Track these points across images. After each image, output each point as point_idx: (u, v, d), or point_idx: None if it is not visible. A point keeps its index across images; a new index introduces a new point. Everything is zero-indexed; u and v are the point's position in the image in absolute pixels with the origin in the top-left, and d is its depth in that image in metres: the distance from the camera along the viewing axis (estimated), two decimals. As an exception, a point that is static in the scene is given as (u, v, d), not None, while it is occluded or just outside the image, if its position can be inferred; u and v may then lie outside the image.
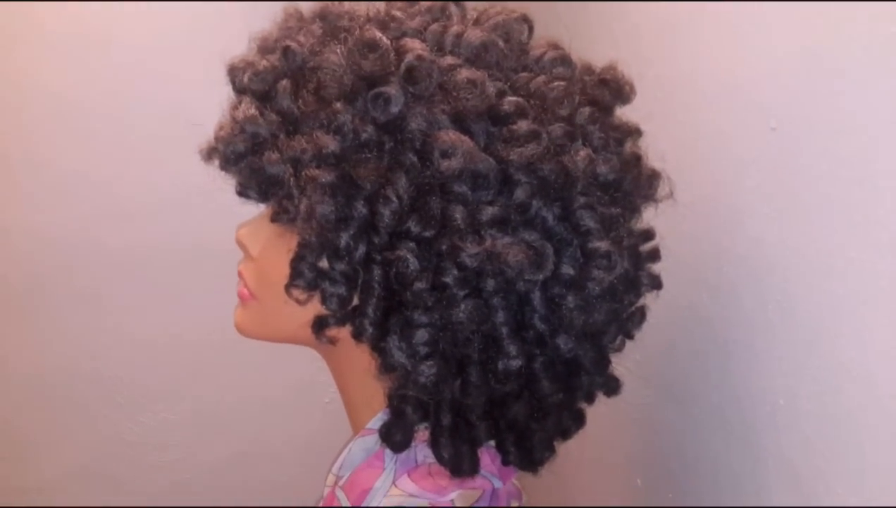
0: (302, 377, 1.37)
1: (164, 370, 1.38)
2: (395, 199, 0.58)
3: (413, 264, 0.58)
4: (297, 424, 1.45)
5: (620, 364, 0.71)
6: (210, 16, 1.21)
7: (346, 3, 0.70)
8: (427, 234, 0.58)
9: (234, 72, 0.67)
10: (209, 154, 0.68)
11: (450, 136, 0.57)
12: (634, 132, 0.70)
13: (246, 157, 0.63)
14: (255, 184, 0.63)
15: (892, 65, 0.54)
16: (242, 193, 0.65)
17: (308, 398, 1.40)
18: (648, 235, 0.72)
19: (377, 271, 0.60)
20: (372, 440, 0.70)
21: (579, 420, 0.73)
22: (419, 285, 0.58)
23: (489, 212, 0.58)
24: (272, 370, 1.36)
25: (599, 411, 0.72)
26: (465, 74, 0.60)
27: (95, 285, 1.31)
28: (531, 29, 0.70)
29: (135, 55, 1.22)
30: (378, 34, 0.61)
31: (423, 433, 0.68)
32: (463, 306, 0.58)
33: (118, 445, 1.40)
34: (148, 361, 1.37)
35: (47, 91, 1.22)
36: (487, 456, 0.70)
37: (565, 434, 0.73)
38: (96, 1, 1.19)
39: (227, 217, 0.76)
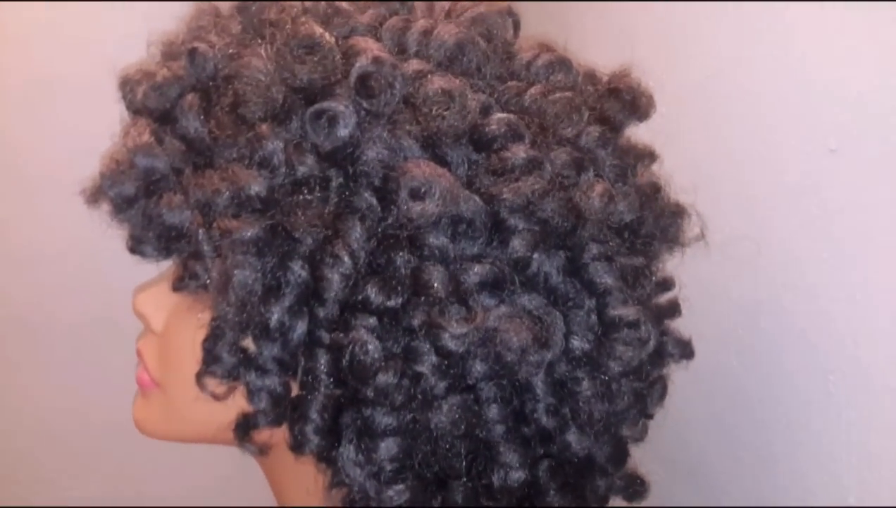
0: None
1: (77, 445, 1.21)
2: (346, 258, 0.44)
3: (374, 348, 0.43)
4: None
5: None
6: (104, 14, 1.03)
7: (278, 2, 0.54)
8: (392, 304, 0.44)
9: (126, 85, 0.52)
10: (94, 196, 0.51)
11: (423, 169, 0.44)
12: (647, 156, 0.57)
13: (137, 200, 0.48)
14: (152, 237, 0.48)
15: None
16: (135, 249, 0.49)
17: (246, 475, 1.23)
18: (666, 285, 0.58)
19: (324, 359, 0.45)
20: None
21: (588, 525, 0.57)
22: (384, 377, 0.44)
23: (477, 271, 0.44)
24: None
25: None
26: (438, 83, 0.46)
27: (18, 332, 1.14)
28: (517, 26, 0.56)
29: (28, 80, 1.04)
30: (318, 29, 0.47)
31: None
32: (445, 404, 0.45)
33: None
34: (55, 433, 1.19)
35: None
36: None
37: (570, 544, 0.57)
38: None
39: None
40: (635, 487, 0.55)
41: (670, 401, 0.58)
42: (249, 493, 1.02)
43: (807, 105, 0.57)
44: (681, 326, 0.58)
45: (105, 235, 0.64)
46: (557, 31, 0.72)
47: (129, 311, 0.63)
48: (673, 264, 0.57)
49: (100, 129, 0.56)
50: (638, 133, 0.57)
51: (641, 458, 0.59)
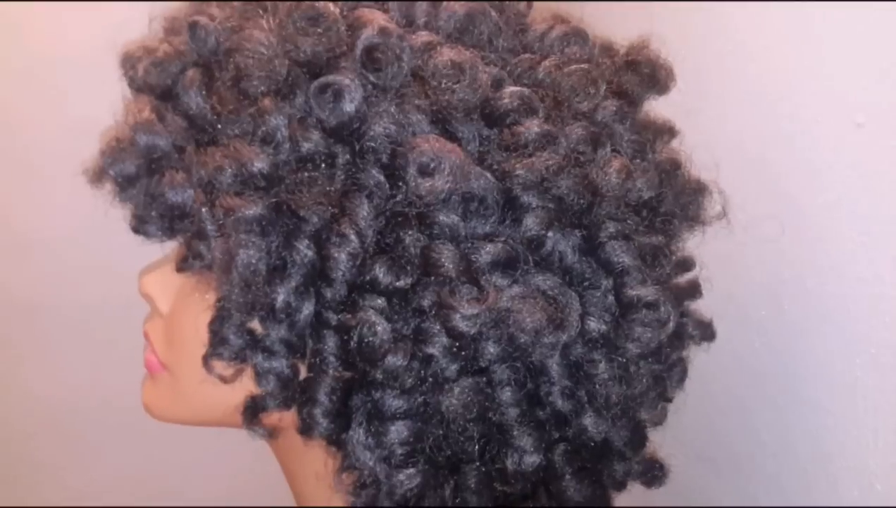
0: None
1: (81, 429, 1.20)
2: (353, 236, 0.42)
3: (383, 329, 0.42)
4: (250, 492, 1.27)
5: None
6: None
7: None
8: (402, 285, 0.43)
9: (128, 62, 0.51)
10: (98, 176, 0.50)
11: (433, 144, 0.42)
12: (667, 132, 0.55)
13: (140, 179, 0.46)
14: (156, 216, 0.47)
15: None
16: (139, 229, 0.48)
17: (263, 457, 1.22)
18: (686, 265, 0.56)
19: (332, 340, 0.44)
20: (334, 553, 0.53)
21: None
22: (394, 359, 0.42)
23: (489, 251, 0.43)
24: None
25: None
26: (447, 55, 0.45)
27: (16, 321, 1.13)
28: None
29: (31, 64, 1.03)
30: (322, 2, 0.45)
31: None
32: (457, 387, 0.43)
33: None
34: (62, 416, 1.19)
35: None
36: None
37: (588, 528, 0.56)
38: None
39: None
40: (654, 472, 0.54)
41: (691, 385, 0.57)
42: (262, 480, 1.01)
43: (832, 79, 0.54)
44: (702, 307, 0.56)
45: (110, 217, 0.63)
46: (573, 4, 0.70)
47: (136, 295, 0.62)
48: (694, 244, 0.55)
49: (104, 110, 0.56)
50: (657, 108, 0.55)
51: (661, 443, 0.57)
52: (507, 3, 0.52)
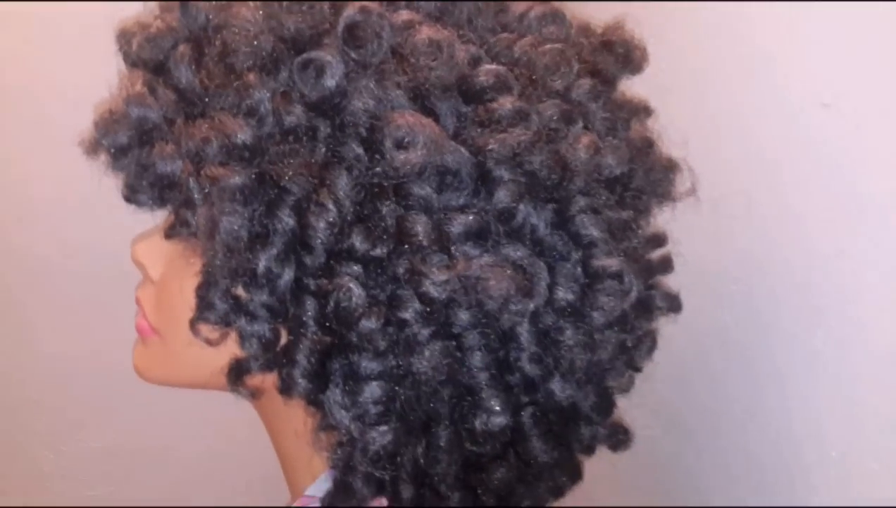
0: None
1: (87, 392, 1.22)
2: (332, 206, 0.44)
3: (358, 294, 0.44)
4: (243, 449, 1.29)
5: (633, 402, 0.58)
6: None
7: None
8: (377, 253, 0.45)
9: (123, 37, 0.53)
10: (92, 147, 0.52)
11: (407, 119, 0.44)
12: (642, 111, 0.57)
13: (131, 149, 0.49)
14: (146, 186, 0.49)
15: None
16: (130, 197, 0.50)
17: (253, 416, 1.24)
18: (658, 240, 0.59)
19: (310, 304, 0.46)
20: (313, 509, 0.56)
21: (576, 476, 0.59)
22: (367, 323, 0.44)
23: (461, 222, 0.45)
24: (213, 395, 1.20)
25: (604, 454, 0.59)
26: (426, 33, 0.47)
27: (4, 295, 1.14)
28: None
29: (32, 36, 1.05)
30: None
31: (378, 501, 0.53)
32: (427, 350, 0.45)
33: (37, 479, 1.25)
34: (68, 381, 1.20)
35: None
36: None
37: (558, 493, 0.58)
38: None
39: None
40: (619, 436, 0.56)
41: (667, 358, 0.59)
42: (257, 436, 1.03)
43: (801, 62, 0.56)
44: (673, 282, 0.58)
45: (110, 187, 0.65)
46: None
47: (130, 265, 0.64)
48: (665, 220, 0.57)
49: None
50: (633, 87, 0.56)
51: (637, 413, 0.59)
52: None
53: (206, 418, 1.30)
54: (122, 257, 1.09)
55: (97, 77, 0.81)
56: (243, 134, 0.44)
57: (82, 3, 1.02)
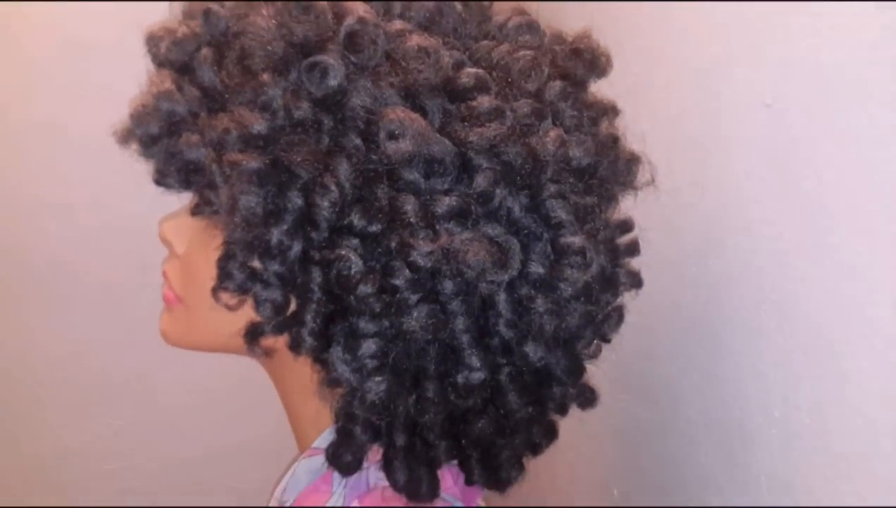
0: (255, 373, 1.29)
1: (106, 372, 1.28)
2: (334, 188, 0.50)
3: (357, 264, 0.50)
4: (251, 424, 1.36)
5: (595, 366, 0.65)
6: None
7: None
8: (373, 229, 0.51)
9: (152, 41, 0.59)
10: (125, 137, 0.59)
11: (398, 114, 0.50)
12: (611, 111, 0.63)
13: (161, 139, 0.55)
14: (174, 170, 0.55)
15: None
16: (160, 181, 0.57)
17: (262, 395, 1.30)
18: (626, 226, 0.65)
19: (316, 273, 0.52)
20: (319, 461, 0.63)
21: (551, 434, 0.66)
22: (364, 288, 0.51)
23: (445, 203, 0.51)
24: (222, 368, 1.26)
25: (572, 416, 0.65)
26: (416, 41, 0.52)
27: (29, 281, 1.21)
28: None
29: (60, 40, 1.12)
30: None
31: (375, 452, 0.60)
32: (416, 312, 0.51)
33: (60, 453, 1.31)
34: (88, 362, 1.27)
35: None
36: (449, 477, 0.63)
37: (535, 450, 0.65)
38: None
39: (170, 209, 0.68)
40: (586, 396, 0.63)
41: (637, 334, 0.65)
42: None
43: (745, 66, 0.62)
44: (638, 263, 0.64)
45: (132, 184, 0.72)
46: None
47: (153, 255, 0.71)
48: (628, 207, 0.64)
49: (129, 85, 0.64)
50: (602, 90, 0.63)
51: (609, 387, 0.66)
52: None
53: (215, 398, 1.37)
54: (134, 251, 1.18)
55: (113, 83, 0.89)
56: (259, 126, 0.50)
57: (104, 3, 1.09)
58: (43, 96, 1.15)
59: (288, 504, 0.64)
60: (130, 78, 0.63)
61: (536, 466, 0.65)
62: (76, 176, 1.20)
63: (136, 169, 0.62)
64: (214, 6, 0.54)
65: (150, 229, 0.74)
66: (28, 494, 1.32)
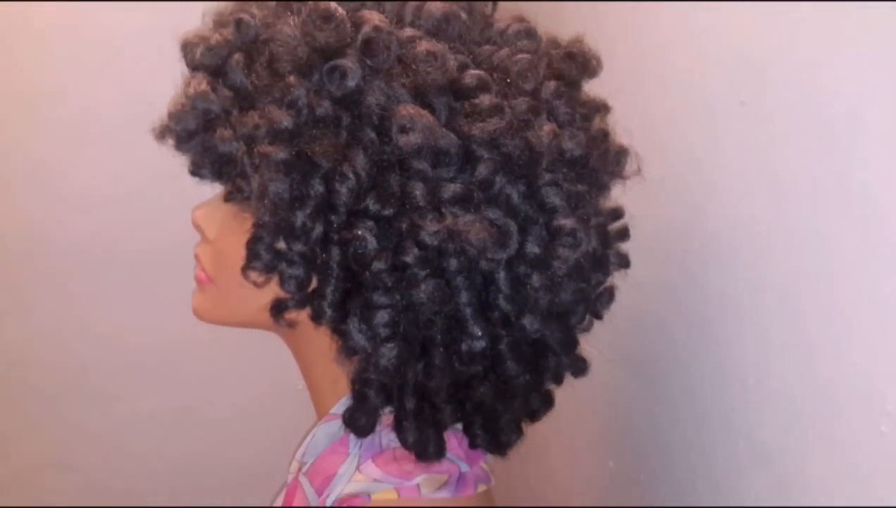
0: (273, 365, 1.34)
1: (132, 361, 1.35)
2: (352, 176, 0.56)
3: (372, 243, 0.56)
4: (269, 413, 1.43)
5: (592, 346, 0.70)
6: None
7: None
8: (386, 212, 0.56)
9: (187, 47, 0.65)
10: (162, 133, 0.66)
11: (409, 110, 0.55)
12: (602, 108, 0.68)
13: (198, 134, 0.61)
14: (208, 162, 0.62)
15: (860, 38, 0.53)
16: (195, 172, 0.63)
17: (279, 386, 1.37)
18: (617, 213, 0.71)
19: (335, 252, 0.58)
20: (336, 426, 0.69)
21: (548, 402, 0.71)
22: (378, 264, 0.56)
23: (450, 189, 0.56)
24: (243, 360, 1.34)
25: (571, 392, 0.71)
26: (425, 46, 0.58)
27: (61, 274, 1.28)
28: (495, 2, 0.69)
29: (96, 41, 1.19)
30: (333, 4, 0.59)
31: (387, 418, 0.67)
32: (424, 286, 0.57)
33: (87, 436, 1.38)
34: (115, 351, 1.34)
35: (10, 81, 1.18)
36: (454, 440, 0.69)
37: (534, 416, 0.71)
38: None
39: (195, 202, 0.73)
40: (579, 365, 0.68)
41: (627, 309, 0.71)
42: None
43: (721, 67, 0.68)
44: (631, 247, 0.70)
45: (159, 176, 0.77)
46: (530, 5, 0.85)
47: (179, 244, 0.77)
48: (622, 198, 0.70)
49: (161, 84, 0.71)
50: (594, 89, 0.69)
51: (600, 357, 0.72)
52: (476, 4, 0.67)
53: (235, 384, 1.44)
54: (163, 245, 1.24)
55: (148, 85, 0.95)
56: (286, 121, 0.56)
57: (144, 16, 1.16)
58: (75, 90, 1.21)
59: (307, 465, 0.71)
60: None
61: (535, 437, 0.71)
62: (106, 168, 1.27)
63: (169, 163, 0.68)
64: (245, 16, 0.61)
65: (177, 218, 0.80)
66: (54, 476, 1.39)
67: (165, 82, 0.70)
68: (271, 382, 1.38)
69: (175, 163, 0.67)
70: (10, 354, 1.32)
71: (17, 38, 1.18)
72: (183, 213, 0.73)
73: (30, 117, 1.22)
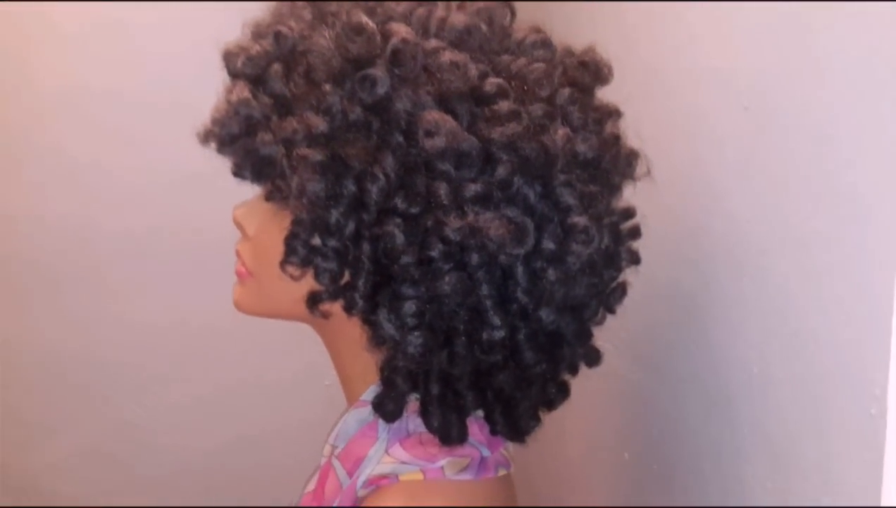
0: (302, 359, 1.39)
1: (167, 354, 1.40)
2: (382, 177, 0.60)
3: (400, 238, 0.60)
4: (299, 406, 1.46)
5: (609, 342, 0.74)
6: (208, 4, 1.23)
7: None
8: (413, 210, 0.60)
9: (228, 57, 0.69)
10: (206, 137, 0.70)
11: (434, 116, 0.59)
12: (614, 113, 0.72)
13: (240, 138, 0.65)
14: (250, 164, 0.66)
15: (856, 41, 0.56)
16: (238, 173, 0.67)
17: (308, 380, 1.42)
18: (629, 213, 0.74)
19: (366, 247, 0.62)
20: (366, 412, 0.73)
21: (563, 391, 0.75)
22: (406, 258, 0.60)
23: (472, 189, 0.60)
24: (273, 353, 1.38)
25: (589, 386, 0.75)
26: (448, 56, 0.62)
27: (97, 269, 1.33)
28: (513, 14, 0.73)
29: (136, 43, 1.24)
30: (364, 18, 0.63)
31: (414, 405, 0.71)
32: (448, 278, 0.61)
33: (122, 428, 1.42)
34: (150, 344, 1.38)
35: (49, 79, 1.24)
36: (476, 426, 0.73)
37: (550, 405, 0.75)
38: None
39: (226, 201, 0.78)
40: (592, 356, 0.73)
41: (639, 304, 0.75)
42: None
43: (726, 73, 0.71)
44: (642, 245, 0.73)
45: (197, 176, 0.81)
46: (547, 16, 0.89)
47: (210, 242, 0.79)
48: (632, 197, 0.73)
49: (208, 91, 0.74)
50: (607, 96, 0.72)
51: (609, 346, 0.76)
52: (496, 18, 0.69)
53: (265, 376, 1.47)
54: (192, 243, 1.29)
55: (185, 88, 1.00)
56: (321, 126, 0.60)
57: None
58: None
59: (339, 448, 0.76)
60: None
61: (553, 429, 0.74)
62: (143, 169, 1.32)
63: (202, 164, 0.72)
64: (284, 28, 0.65)
65: (206, 216, 0.83)
66: (90, 466, 1.43)
67: (207, 88, 0.74)
68: (300, 374, 1.42)
69: (206, 161, 0.71)
70: (46, 348, 1.37)
71: (59, 38, 1.22)
72: (212, 209, 0.76)
73: (69, 117, 1.26)
